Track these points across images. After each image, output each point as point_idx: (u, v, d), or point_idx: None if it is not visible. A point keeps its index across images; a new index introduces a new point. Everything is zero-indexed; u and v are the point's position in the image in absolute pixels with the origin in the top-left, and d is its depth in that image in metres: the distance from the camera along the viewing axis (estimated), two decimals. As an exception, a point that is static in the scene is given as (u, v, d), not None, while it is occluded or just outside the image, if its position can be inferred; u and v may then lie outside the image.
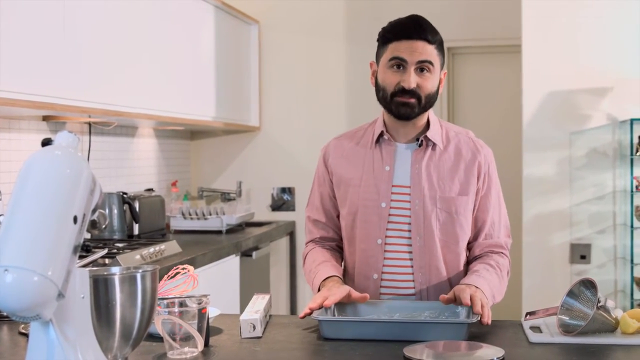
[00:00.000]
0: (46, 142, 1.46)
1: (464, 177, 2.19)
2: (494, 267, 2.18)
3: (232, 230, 4.67)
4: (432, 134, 2.21)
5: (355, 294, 2.06)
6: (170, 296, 1.86)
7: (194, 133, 5.49)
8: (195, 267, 3.52)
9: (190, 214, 4.62)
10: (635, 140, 4.04)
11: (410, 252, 2.18)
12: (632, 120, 4.00)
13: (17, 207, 1.32)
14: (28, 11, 2.85)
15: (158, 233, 4.20)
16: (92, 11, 3.32)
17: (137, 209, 3.94)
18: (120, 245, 3.46)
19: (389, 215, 2.17)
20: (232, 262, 4.18)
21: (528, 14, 4.19)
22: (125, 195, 3.89)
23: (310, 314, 1.97)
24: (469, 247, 2.26)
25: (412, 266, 2.18)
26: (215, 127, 4.92)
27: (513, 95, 4.81)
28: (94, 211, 1.48)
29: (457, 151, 2.22)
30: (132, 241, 3.62)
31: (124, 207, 3.87)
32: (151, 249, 3.31)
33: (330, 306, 2.02)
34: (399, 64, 2.13)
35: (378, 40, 2.22)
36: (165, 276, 2.04)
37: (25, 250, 1.28)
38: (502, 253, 2.25)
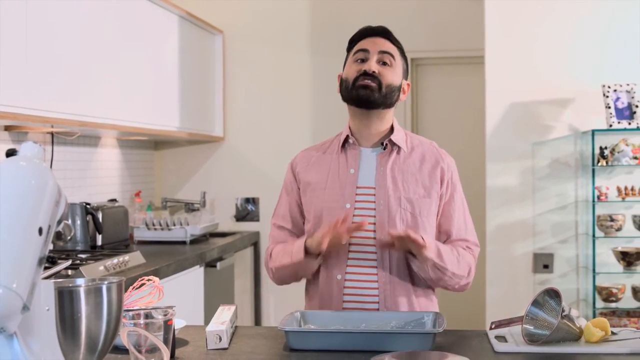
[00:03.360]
0: (11, 153, 1.44)
1: (428, 181, 2.24)
2: (452, 247, 2.23)
3: (196, 240, 4.64)
4: (397, 138, 2.26)
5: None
6: (135, 308, 1.84)
7: (157, 143, 5.46)
8: (160, 278, 3.46)
9: (154, 225, 4.58)
10: (597, 151, 4.10)
11: (374, 253, 2.20)
12: (593, 131, 4.06)
13: (-20, 218, 1.30)
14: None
15: (122, 244, 4.16)
16: (54, 21, 3.29)
17: (101, 220, 3.90)
18: (83, 256, 3.42)
19: (354, 215, 2.20)
20: (197, 273, 4.16)
21: (491, 25, 4.23)
22: (88, 206, 3.84)
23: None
24: None
25: (376, 266, 2.20)
26: (179, 137, 4.89)
27: (476, 106, 4.86)
28: (59, 222, 1.46)
29: (421, 157, 2.27)
30: (96, 252, 3.57)
31: (87, 218, 3.82)
32: (115, 260, 3.27)
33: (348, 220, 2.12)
34: (362, 55, 2.23)
35: (347, 50, 2.31)
36: (131, 287, 2.02)
37: (-11, 262, 1.26)
38: (465, 247, 2.27)
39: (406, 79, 2.30)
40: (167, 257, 3.86)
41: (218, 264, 4.44)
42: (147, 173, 5.31)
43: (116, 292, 1.56)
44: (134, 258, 3.48)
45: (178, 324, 2.01)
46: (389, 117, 2.28)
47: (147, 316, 1.77)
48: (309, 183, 2.29)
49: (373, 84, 2.19)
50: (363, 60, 2.23)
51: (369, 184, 2.23)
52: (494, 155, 4.27)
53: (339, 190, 2.23)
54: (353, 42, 2.30)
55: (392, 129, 2.28)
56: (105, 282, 1.55)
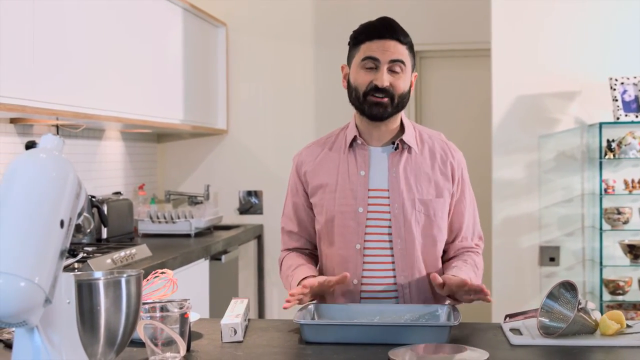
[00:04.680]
0: (30, 145, 1.43)
1: (439, 179, 2.21)
2: (470, 264, 2.21)
3: (201, 233, 4.64)
4: (408, 137, 2.21)
5: (333, 278, 2.08)
6: (150, 301, 1.83)
7: (160, 136, 5.44)
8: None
9: (158, 218, 4.57)
10: (604, 144, 4.10)
11: (391, 256, 2.17)
12: (600, 124, 4.05)
13: (2, 211, 1.28)
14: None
15: (127, 237, 4.15)
16: (60, 15, 3.27)
17: (106, 213, 3.89)
18: (90, 249, 3.41)
19: (367, 219, 2.16)
20: (202, 266, 4.15)
21: (497, 17, 4.22)
22: (93, 199, 3.83)
23: (290, 302, 1.97)
24: (444, 249, 2.27)
25: (393, 269, 2.17)
26: (182, 130, 4.88)
27: (482, 99, 4.85)
28: (79, 215, 1.45)
29: (431, 154, 2.23)
30: (102, 245, 3.56)
31: (93, 211, 3.81)
32: (122, 253, 3.26)
33: (311, 288, 2.04)
34: (372, 64, 2.14)
35: (349, 42, 2.23)
36: (145, 280, 2.01)
37: (12, 255, 1.25)
38: (477, 252, 2.28)
39: (413, 70, 2.24)
40: (172, 250, 3.86)
41: (223, 257, 4.44)
42: (150, 166, 5.30)
43: (135, 285, 1.55)
44: (141, 251, 3.48)
45: (192, 317, 2.00)
46: (399, 116, 2.24)
47: (162, 309, 1.76)
48: (317, 184, 2.24)
49: (385, 100, 2.14)
50: (372, 67, 2.15)
51: (381, 186, 2.18)
52: (500, 148, 4.26)
53: (350, 193, 2.18)
54: (358, 40, 2.19)
55: (401, 126, 2.24)
56: (125, 275, 1.54)
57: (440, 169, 2.22)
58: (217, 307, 4.31)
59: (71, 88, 3.35)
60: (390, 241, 2.16)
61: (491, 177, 4.27)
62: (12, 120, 3.42)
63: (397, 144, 2.20)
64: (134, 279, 1.55)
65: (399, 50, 2.15)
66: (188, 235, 4.52)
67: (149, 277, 2.02)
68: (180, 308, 1.77)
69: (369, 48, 2.15)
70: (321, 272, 2.28)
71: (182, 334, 1.75)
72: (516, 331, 1.96)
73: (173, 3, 4.54)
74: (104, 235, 3.93)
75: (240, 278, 5.02)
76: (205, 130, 5.19)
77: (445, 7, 5.15)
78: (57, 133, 3.83)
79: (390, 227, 2.16)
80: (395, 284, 2.16)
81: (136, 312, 1.55)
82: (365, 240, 2.16)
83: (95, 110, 3.56)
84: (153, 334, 1.73)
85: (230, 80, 5.41)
